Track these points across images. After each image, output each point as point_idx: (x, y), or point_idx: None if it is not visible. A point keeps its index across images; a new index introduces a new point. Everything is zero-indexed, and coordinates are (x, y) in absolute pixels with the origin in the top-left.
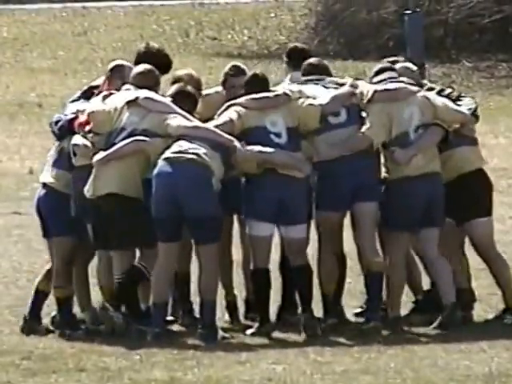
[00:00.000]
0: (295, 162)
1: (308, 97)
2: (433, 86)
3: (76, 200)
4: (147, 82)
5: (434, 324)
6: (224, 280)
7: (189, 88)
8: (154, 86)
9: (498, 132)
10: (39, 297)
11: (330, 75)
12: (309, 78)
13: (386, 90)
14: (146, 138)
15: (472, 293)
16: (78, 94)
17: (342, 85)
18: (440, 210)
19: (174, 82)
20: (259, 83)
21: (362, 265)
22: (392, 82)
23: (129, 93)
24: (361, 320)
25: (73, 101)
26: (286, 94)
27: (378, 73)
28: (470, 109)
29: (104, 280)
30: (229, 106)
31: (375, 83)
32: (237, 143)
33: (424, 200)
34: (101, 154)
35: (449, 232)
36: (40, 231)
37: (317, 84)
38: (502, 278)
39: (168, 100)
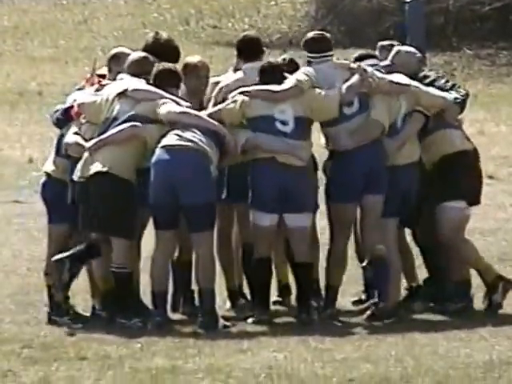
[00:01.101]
0: (289, 148)
1: (317, 86)
2: (428, 73)
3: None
4: (142, 69)
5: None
6: (225, 268)
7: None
8: (149, 74)
9: (499, 120)
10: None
11: (331, 49)
12: (314, 55)
13: (397, 83)
14: (139, 124)
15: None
16: (83, 82)
17: (352, 69)
18: (412, 202)
19: (185, 69)
20: (274, 73)
21: (358, 254)
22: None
23: (119, 84)
24: (358, 307)
25: (78, 89)
26: (297, 85)
27: (358, 59)
28: (456, 98)
29: (96, 269)
30: (239, 93)
31: None
32: (225, 131)
33: (406, 189)
34: (92, 141)
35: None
36: (40, 219)
37: (322, 63)
38: (471, 262)
39: (156, 88)
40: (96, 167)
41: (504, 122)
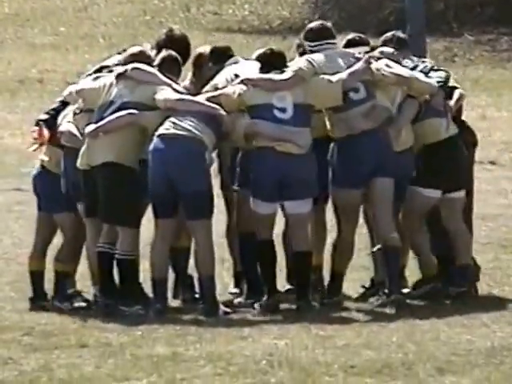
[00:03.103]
0: (289, 136)
1: (324, 72)
2: (408, 61)
3: (67, 176)
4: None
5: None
6: (234, 253)
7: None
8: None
9: (500, 105)
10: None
11: (334, 37)
12: (315, 44)
13: (403, 76)
14: (136, 111)
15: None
16: (92, 70)
17: (357, 58)
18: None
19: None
20: (275, 61)
21: (372, 240)
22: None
23: (119, 68)
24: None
25: (87, 75)
26: (297, 74)
27: (348, 45)
28: (438, 82)
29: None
30: (240, 81)
31: None
32: (222, 112)
33: (405, 175)
34: (92, 126)
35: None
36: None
37: (324, 50)
38: (415, 250)
39: (156, 71)
40: (101, 158)
41: (505, 108)
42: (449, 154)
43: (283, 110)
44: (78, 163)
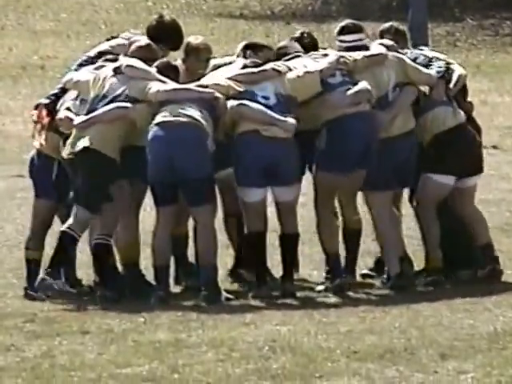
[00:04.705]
0: (275, 119)
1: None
2: (410, 51)
3: (60, 163)
4: (147, 55)
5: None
6: (233, 241)
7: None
8: (154, 61)
9: (502, 90)
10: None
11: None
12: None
13: (372, 55)
14: (128, 104)
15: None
16: (88, 55)
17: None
18: (413, 168)
19: (186, 49)
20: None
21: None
22: (357, 45)
23: (117, 62)
24: (368, 281)
25: (79, 65)
26: (274, 69)
27: (343, 31)
28: (438, 72)
29: (119, 239)
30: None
31: (341, 41)
32: (219, 94)
33: (404, 159)
34: (82, 118)
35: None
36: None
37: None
38: (430, 238)
39: (151, 68)
40: (82, 143)
41: (507, 92)
42: (459, 140)
43: (266, 98)
44: (64, 153)
